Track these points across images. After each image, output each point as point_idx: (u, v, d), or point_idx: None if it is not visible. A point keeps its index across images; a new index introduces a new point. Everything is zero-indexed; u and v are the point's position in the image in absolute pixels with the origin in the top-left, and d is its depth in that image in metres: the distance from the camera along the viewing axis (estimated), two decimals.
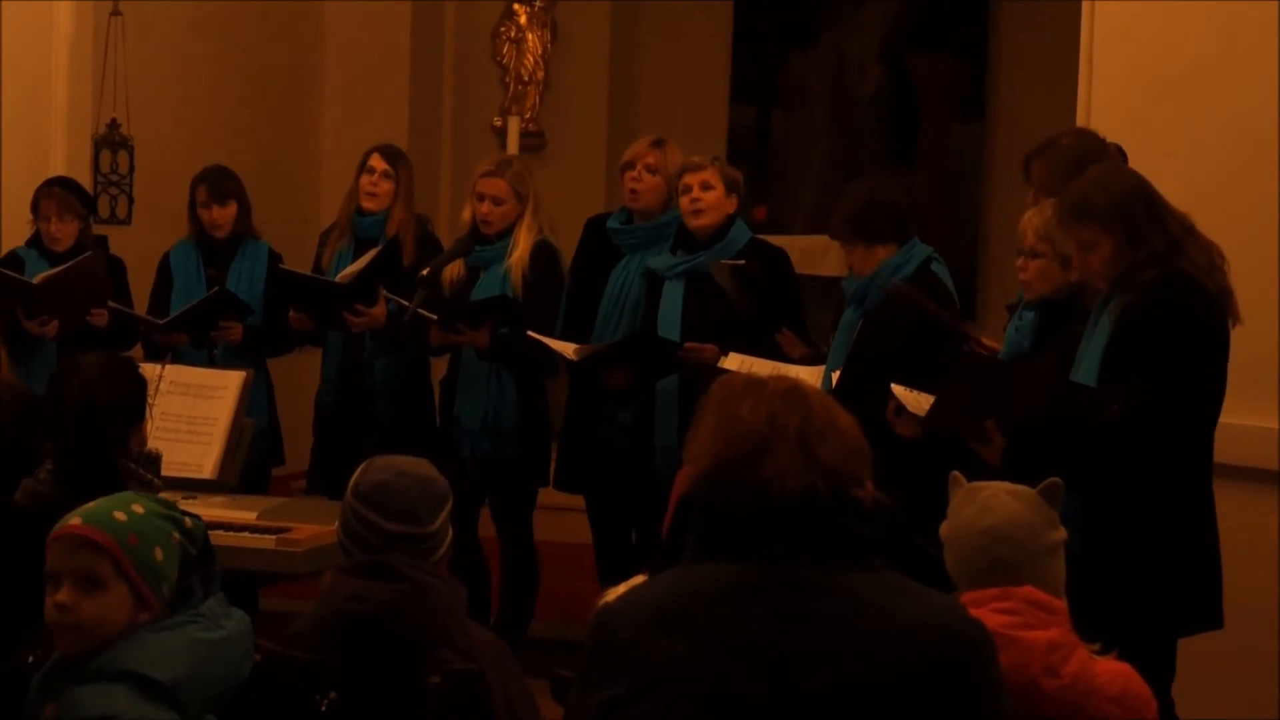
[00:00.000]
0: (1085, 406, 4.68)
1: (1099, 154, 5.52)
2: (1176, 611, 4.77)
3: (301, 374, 7.69)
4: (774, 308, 6.52)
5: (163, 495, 3.87)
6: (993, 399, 4.83)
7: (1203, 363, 4.74)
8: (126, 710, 3.24)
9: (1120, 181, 4.87)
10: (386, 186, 7.18)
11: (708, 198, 6.61)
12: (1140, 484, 4.71)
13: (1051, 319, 5.27)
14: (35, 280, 6.95)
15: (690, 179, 6.64)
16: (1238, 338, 4.87)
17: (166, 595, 3.40)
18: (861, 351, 5.73)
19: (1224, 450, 4.99)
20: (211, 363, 6.98)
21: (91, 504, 3.47)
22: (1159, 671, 4.40)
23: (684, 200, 6.65)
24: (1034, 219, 5.34)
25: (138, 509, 3.42)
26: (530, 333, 6.58)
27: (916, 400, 5.24)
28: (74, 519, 3.42)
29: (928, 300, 5.84)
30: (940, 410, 5.01)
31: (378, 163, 7.20)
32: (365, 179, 7.20)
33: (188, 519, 3.46)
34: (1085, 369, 4.80)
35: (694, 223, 6.64)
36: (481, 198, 6.88)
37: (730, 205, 6.67)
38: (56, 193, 7.28)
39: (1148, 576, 4.71)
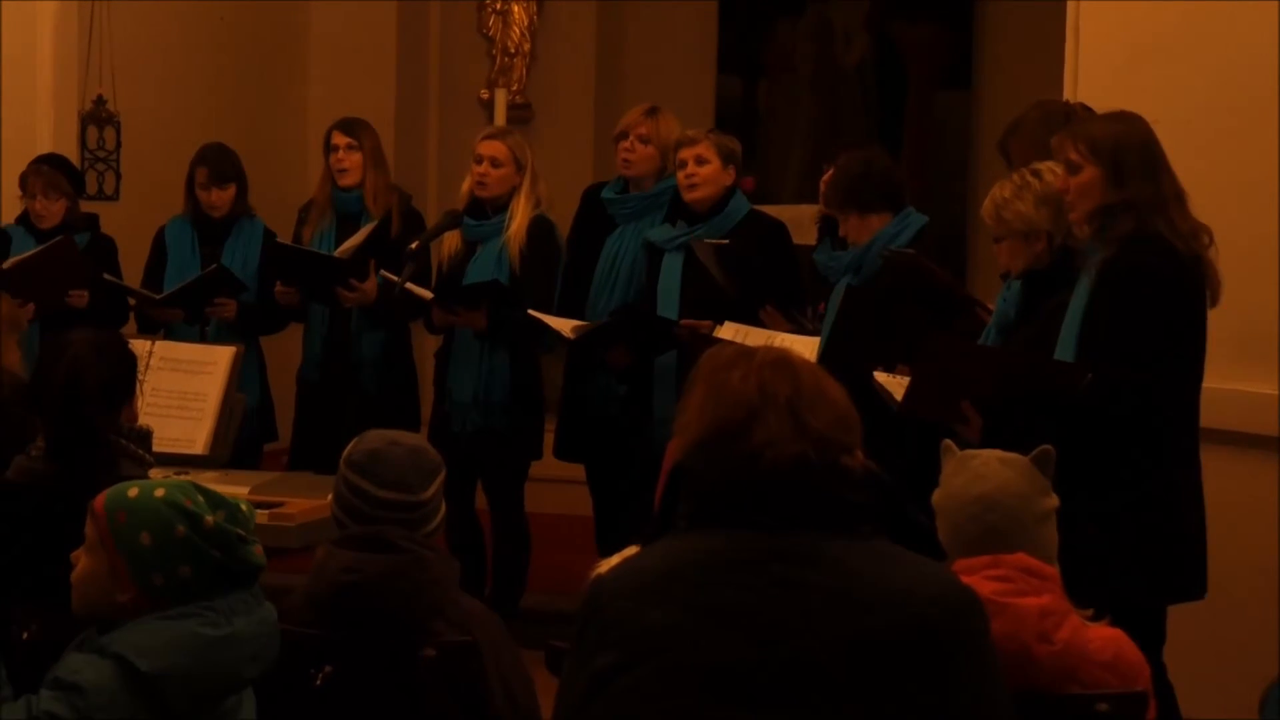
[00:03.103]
0: (1059, 381, 4.68)
1: (1065, 113, 5.54)
2: (1158, 581, 4.78)
3: (293, 350, 7.68)
4: (771, 281, 6.51)
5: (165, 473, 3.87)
6: (965, 378, 4.83)
7: (1172, 328, 4.73)
8: (95, 685, 3.25)
9: (1126, 125, 4.87)
10: (354, 158, 7.21)
11: (703, 171, 6.61)
12: (1122, 452, 4.71)
13: (1037, 288, 5.27)
14: (3, 265, 6.94)
15: (685, 153, 6.64)
16: (1235, 304, 4.86)
17: (158, 585, 3.38)
18: (849, 320, 5.72)
19: (1222, 416, 4.99)
20: (203, 339, 6.99)
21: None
22: (1149, 637, 4.41)
23: (680, 175, 6.64)
24: (987, 205, 5.36)
25: (158, 493, 3.42)
26: (530, 311, 6.58)
27: (899, 385, 5.24)
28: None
29: (933, 265, 5.83)
30: (915, 394, 5.00)
31: (339, 139, 7.25)
32: (333, 157, 7.25)
33: (210, 518, 3.40)
34: (1067, 331, 4.80)
35: (689, 196, 6.64)
36: (480, 159, 6.88)
37: (728, 177, 6.66)
38: (44, 170, 7.29)
39: (1130, 545, 4.71)
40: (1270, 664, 5.20)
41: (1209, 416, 4.94)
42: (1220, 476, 4.99)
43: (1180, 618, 4.92)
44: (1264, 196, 5.71)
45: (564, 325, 6.59)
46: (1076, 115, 5.53)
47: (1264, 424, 5.60)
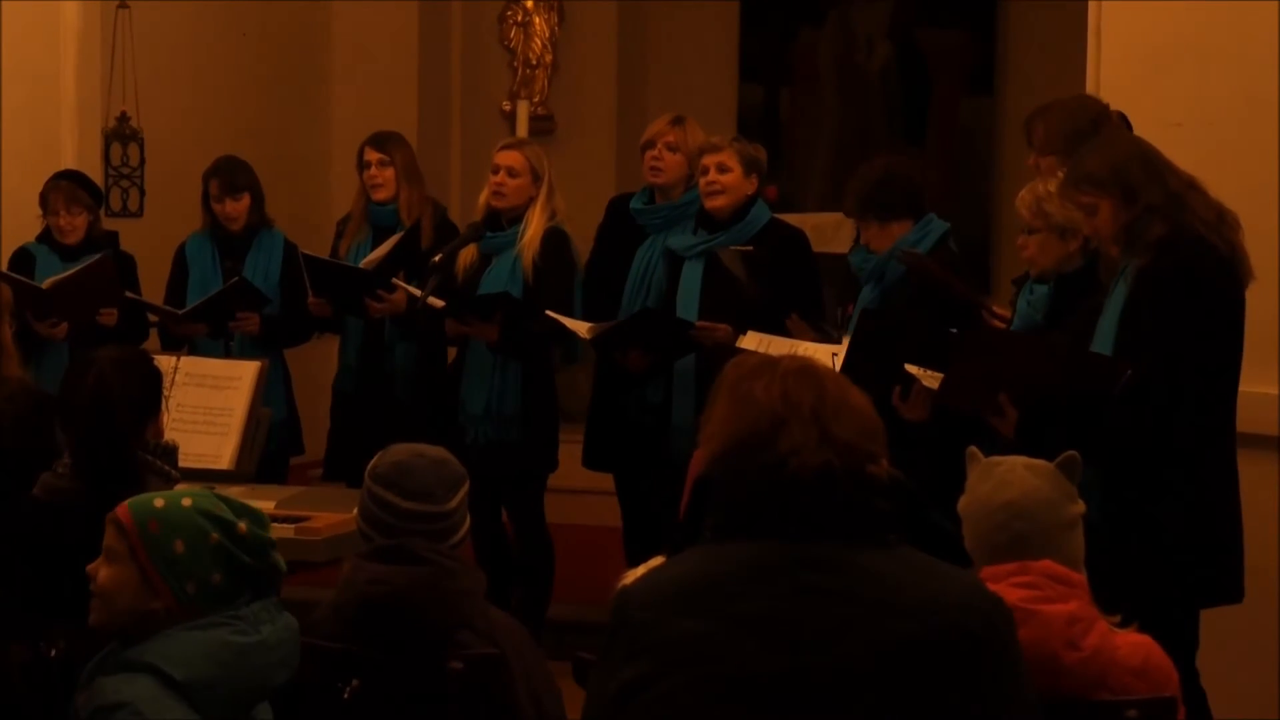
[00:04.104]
0: (1098, 376, 4.68)
1: (1097, 113, 5.53)
2: (1195, 583, 4.77)
3: (319, 363, 7.70)
4: (790, 289, 6.51)
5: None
6: (1004, 371, 4.83)
7: (1214, 330, 4.73)
8: (143, 698, 3.27)
9: (1115, 144, 4.89)
10: (388, 174, 7.23)
11: (724, 179, 6.60)
12: (1158, 453, 4.70)
13: (1066, 292, 5.26)
14: (45, 284, 6.96)
15: (707, 160, 6.64)
16: (1264, 304, 4.86)
17: (190, 592, 3.40)
18: (868, 328, 5.71)
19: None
20: (228, 353, 7.00)
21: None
22: (1182, 642, 4.40)
23: (701, 182, 6.65)
24: (1025, 196, 5.35)
25: (185, 502, 3.45)
26: (548, 311, 6.58)
27: (932, 378, 5.23)
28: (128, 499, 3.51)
29: (939, 268, 5.83)
30: (952, 385, 5.00)
31: (371, 155, 7.27)
32: (366, 174, 7.27)
33: (243, 524, 3.44)
34: (1102, 335, 4.79)
35: (710, 204, 6.64)
36: (497, 169, 6.89)
37: (749, 186, 6.64)
38: (63, 185, 7.29)
39: (1167, 548, 4.70)
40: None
41: None
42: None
43: (1231, 625, 4.91)
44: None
45: (580, 326, 6.59)
46: (1110, 119, 5.51)
47: (1265, 425, 5.57)
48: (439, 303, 6.69)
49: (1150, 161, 4.79)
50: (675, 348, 6.61)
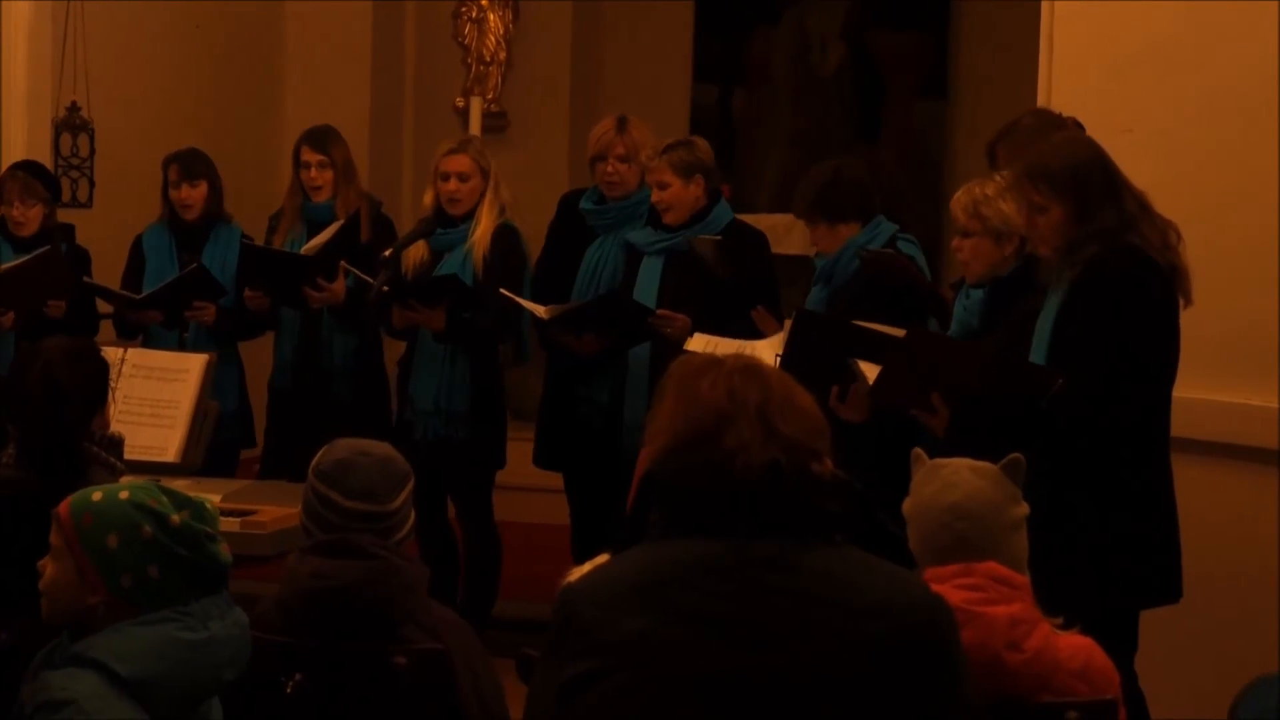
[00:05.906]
0: (1030, 385, 4.68)
1: (1058, 129, 5.53)
2: (1131, 584, 4.78)
3: (270, 355, 7.67)
4: (751, 289, 6.50)
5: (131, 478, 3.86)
6: (938, 372, 4.84)
7: (1147, 338, 4.72)
8: (87, 695, 3.24)
9: (1080, 151, 4.86)
10: (327, 176, 7.16)
11: (666, 196, 6.58)
12: (1093, 458, 4.71)
13: (1001, 296, 5.27)
14: None
15: (649, 179, 6.64)
16: (1232, 316, 4.85)
17: (126, 586, 3.37)
18: (806, 328, 5.72)
19: (1225, 429, 4.97)
20: (182, 345, 6.95)
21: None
22: (1121, 644, 4.41)
23: (654, 198, 6.64)
24: (961, 198, 5.34)
25: (123, 495, 3.41)
26: (503, 290, 6.56)
27: (871, 368, 5.24)
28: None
29: (907, 264, 5.86)
30: (886, 381, 5.00)
31: (310, 155, 7.18)
32: (305, 174, 7.19)
33: (177, 516, 3.40)
34: (1037, 344, 4.80)
35: (665, 220, 6.64)
36: (447, 176, 6.84)
37: (695, 187, 6.59)
38: (20, 176, 7.24)
39: (1103, 550, 4.71)
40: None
41: (1209, 429, 4.94)
42: (1224, 490, 5.00)
43: (1173, 628, 4.92)
44: (1243, 203, 5.70)
45: (537, 308, 6.58)
46: (1068, 129, 5.51)
47: (1266, 438, 5.58)
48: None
49: (1109, 175, 4.76)
50: (632, 334, 6.59)
